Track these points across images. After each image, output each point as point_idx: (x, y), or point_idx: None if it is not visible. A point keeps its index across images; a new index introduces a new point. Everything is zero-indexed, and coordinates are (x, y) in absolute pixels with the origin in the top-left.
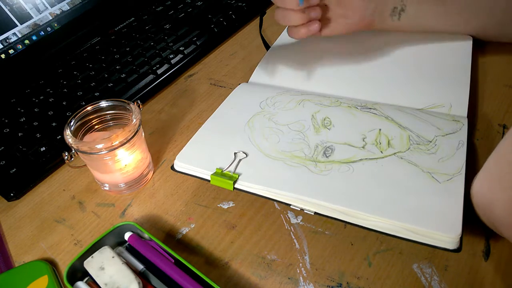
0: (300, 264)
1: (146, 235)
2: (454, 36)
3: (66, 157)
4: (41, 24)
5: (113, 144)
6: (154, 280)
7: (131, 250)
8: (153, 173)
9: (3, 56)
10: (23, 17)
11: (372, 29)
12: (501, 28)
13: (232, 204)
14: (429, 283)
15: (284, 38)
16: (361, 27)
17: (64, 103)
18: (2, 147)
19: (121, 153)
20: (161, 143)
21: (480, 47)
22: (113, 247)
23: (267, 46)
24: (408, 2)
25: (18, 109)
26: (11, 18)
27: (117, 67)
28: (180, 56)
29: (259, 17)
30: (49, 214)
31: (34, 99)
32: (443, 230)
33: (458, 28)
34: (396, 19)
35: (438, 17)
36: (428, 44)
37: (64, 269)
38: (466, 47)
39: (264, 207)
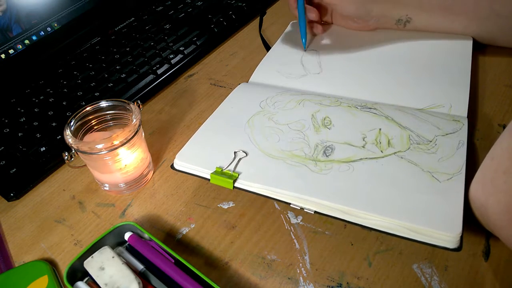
0: (300, 264)
1: (146, 235)
2: (454, 36)
3: (66, 157)
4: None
5: (113, 144)
6: (154, 280)
7: (131, 250)
8: (153, 173)
9: (3, 56)
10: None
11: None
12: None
13: (232, 204)
14: (429, 283)
15: (284, 38)
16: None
17: (64, 103)
18: (2, 147)
19: (121, 153)
20: (161, 143)
21: (481, 47)
22: (113, 247)
23: (267, 46)
24: (413, 14)
25: (18, 109)
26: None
27: (117, 67)
28: (180, 56)
29: (259, 17)
30: (49, 214)
31: (34, 99)
32: (444, 229)
33: (463, 31)
34: (402, 27)
35: (444, 24)
36: (428, 44)
37: (64, 269)
38: (466, 47)
39: (264, 207)
